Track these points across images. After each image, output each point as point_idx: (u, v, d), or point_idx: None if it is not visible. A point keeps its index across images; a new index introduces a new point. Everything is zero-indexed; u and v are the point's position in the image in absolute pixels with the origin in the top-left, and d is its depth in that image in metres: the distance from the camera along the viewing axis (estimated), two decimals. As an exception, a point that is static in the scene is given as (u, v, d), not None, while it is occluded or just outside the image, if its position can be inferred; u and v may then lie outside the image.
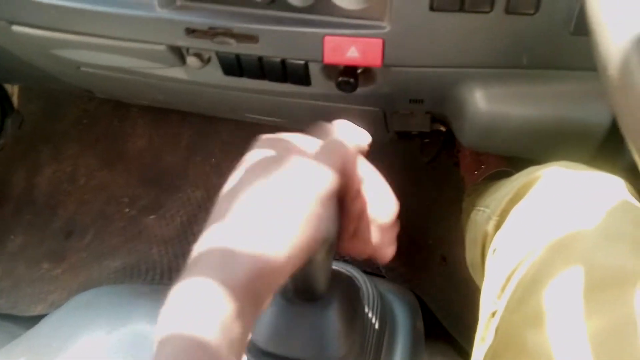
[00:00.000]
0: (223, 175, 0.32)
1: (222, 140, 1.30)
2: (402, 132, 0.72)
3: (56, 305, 0.66)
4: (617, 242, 0.44)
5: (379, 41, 0.53)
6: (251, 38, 0.56)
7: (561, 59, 0.54)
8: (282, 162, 0.30)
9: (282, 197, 0.28)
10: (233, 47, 0.57)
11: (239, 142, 1.26)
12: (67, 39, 0.65)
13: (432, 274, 1.07)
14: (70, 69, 0.75)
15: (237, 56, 0.59)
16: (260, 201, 0.28)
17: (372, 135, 0.36)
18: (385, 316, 0.53)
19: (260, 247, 0.27)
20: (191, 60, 0.62)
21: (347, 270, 0.52)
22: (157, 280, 1.13)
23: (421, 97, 0.64)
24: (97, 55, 0.68)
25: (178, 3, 0.57)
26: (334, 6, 0.53)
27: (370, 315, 0.50)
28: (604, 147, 0.60)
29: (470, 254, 0.69)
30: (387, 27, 0.52)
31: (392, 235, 0.35)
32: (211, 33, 0.56)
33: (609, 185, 0.50)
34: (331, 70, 0.60)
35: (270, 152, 0.32)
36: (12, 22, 0.66)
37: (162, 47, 0.62)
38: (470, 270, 0.71)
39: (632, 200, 0.49)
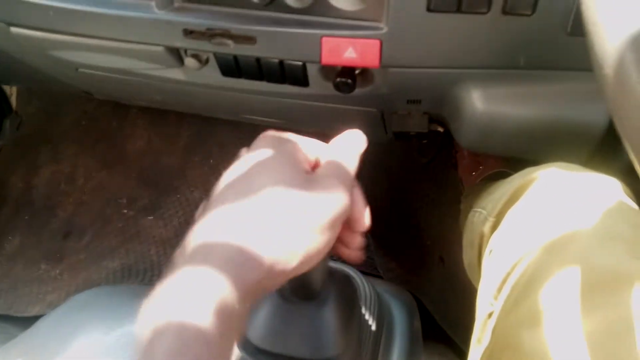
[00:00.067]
0: (221, 176, 0.32)
1: (220, 141, 1.29)
2: (399, 133, 0.72)
3: (54, 306, 0.66)
4: (613, 243, 0.44)
5: (377, 42, 0.53)
6: (249, 39, 0.56)
7: (558, 60, 0.54)
8: (313, 179, 0.31)
9: (306, 209, 0.30)
10: (231, 48, 0.57)
11: (237, 143, 1.25)
12: (66, 41, 0.65)
13: (430, 274, 1.06)
14: (68, 71, 0.75)
15: (235, 57, 0.59)
16: (285, 208, 0.29)
17: (369, 136, 0.37)
18: (383, 316, 0.53)
19: (278, 253, 0.28)
20: (189, 61, 0.62)
21: (344, 270, 0.52)
22: (155, 281, 1.12)
23: (419, 98, 0.64)
24: (96, 57, 0.68)
25: (176, 4, 0.57)
26: (332, 7, 0.53)
27: (367, 315, 0.50)
28: (601, 148, 0.60)
29: (467, 255, 0.69)
30: (384, 28, 0.52)
31: (362, 239, 0.37)
32: (209, 34, 0.56)
33: (605, 187, 0.50)
34: (329, 71, 0.60)
35: (286, 152, 0.32)
36: (11, 24, 0.67)
37: (160, 49, 0.62)
38: (468, 271, 0.71)
39: (628, 201, 0.49)
